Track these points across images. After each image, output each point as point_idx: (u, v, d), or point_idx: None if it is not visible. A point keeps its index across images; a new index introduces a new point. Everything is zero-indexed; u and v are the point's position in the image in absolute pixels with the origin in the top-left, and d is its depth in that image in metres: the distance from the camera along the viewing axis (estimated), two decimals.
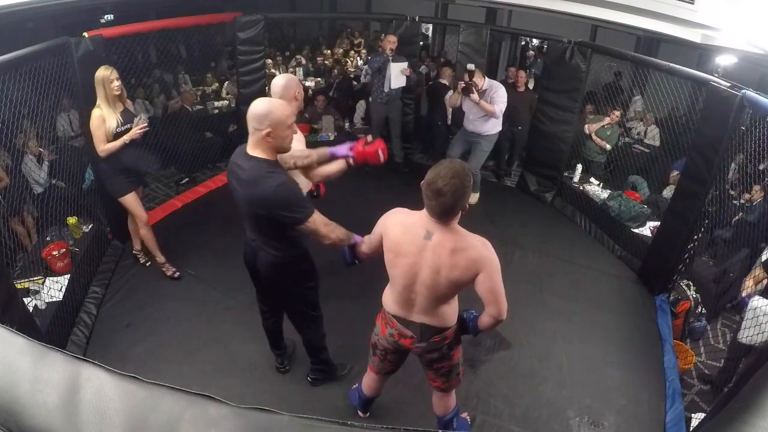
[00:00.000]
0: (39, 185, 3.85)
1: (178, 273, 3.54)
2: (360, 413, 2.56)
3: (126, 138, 3.07)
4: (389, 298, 1.97)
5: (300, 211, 1.90)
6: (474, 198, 4.74)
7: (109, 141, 3.05)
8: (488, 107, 4.20)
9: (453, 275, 1.72)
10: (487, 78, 4.31)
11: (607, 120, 4.86)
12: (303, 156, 2.22)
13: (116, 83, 3.04)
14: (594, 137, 4.90)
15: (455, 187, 1.63)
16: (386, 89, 4.77)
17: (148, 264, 3.63)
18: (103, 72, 3.00)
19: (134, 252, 3.68)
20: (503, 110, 4.30)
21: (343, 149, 2.28)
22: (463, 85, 4.16)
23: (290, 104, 2.14)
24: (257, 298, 2.53)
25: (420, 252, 1.75)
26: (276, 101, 1.89)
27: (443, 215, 1.71)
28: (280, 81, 2.32)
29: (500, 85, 4.32)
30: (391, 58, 4.65)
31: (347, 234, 2.08)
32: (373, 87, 4.94)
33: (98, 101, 3.05)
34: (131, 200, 3.29)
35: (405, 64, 4.68)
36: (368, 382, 2.39)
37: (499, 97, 4.23)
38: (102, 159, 3.12)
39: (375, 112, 5.06)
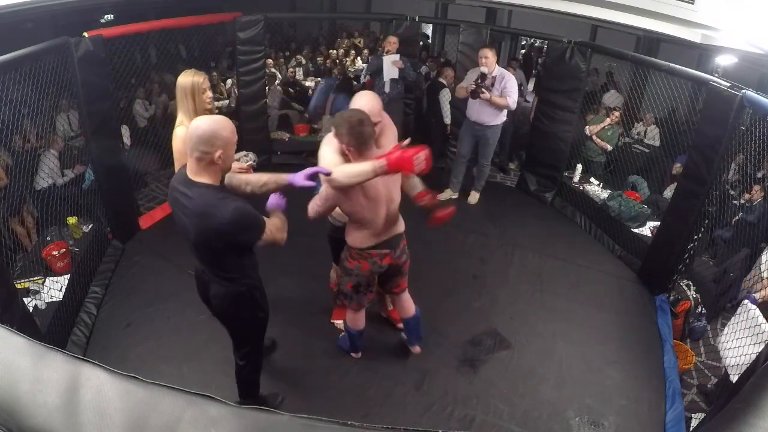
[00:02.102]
0: (45, 182, 3.86)
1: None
2: (354, 354, 2.85)
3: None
4: (362, 235, 2.27)
5: (258, 227, 1.80)
6: (474, 198, 4.73)
7: None
8: (501, 102, 4.10)
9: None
10: (497, 65, 4.18)
11: (607, 121, 4.87)
12: (258, 183, 2.06)
13: (210, 93, 2.43)
14: (595, 139, 4.90)
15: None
16: (387, 90, 4.78)
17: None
18: (192, 78, 2.34)
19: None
20: (516, 101, 4.18)
21: (300, 178, 2.08)
22: (473, 87, 4.10)
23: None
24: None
25: (377, 183, 2.11)
26: (218, 118, 1.74)
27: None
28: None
29: (511, 75, 4.19)
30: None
31: (281, 224, 1.96)
32: (374, 89, 4.94)
33: (180, 117, 2.37)
34: None
35: (397, 56, 4.67)
36: (359, 318, 2.67)
37: (512, 88, 4.10)
38: None
39: None
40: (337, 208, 2.36)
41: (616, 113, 4.89)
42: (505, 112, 4.26)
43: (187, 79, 2.35)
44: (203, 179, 1.72)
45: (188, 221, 1.77)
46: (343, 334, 2.90)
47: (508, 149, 5.62)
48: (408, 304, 2.73)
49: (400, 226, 2.39)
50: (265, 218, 1.87)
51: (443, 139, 5.39)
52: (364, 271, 2.37)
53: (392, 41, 4.68)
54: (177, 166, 2.32)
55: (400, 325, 2.96)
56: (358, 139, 2.03)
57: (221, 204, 1.70)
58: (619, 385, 2.88)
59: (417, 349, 2.92)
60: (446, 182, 4.90)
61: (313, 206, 2.23)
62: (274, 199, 2.07)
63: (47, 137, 4.03)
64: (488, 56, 4.05)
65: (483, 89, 4.05)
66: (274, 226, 1.89)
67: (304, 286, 3.48)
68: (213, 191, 1.72)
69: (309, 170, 2.00)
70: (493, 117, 4.24)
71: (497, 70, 4.12)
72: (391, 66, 4.69)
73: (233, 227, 1.72)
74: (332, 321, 3.12)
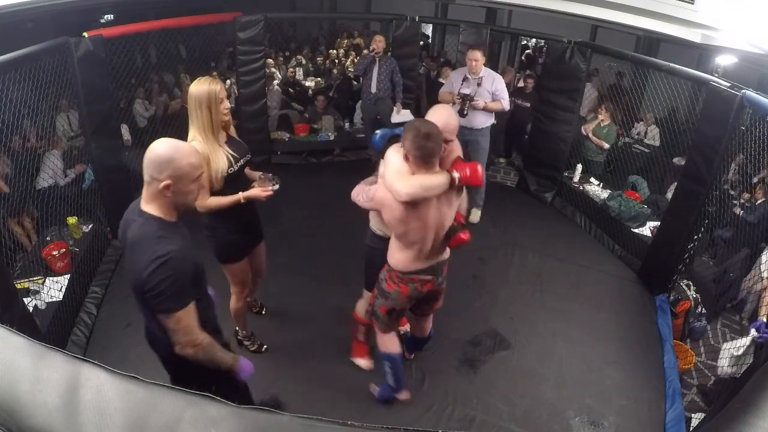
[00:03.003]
0: (47, 182, 3.86)
1: (265, 346, 2.95)
2: (402, 395, 2.62)
3: (245, 197, 2.20)
4: (406, 258, 2.12)
5: (177, 296, 1.42)
6: (476, 216, 4.42)
7: (214, 189, 2.14)
8: (497, 106, 3.98)
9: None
10: (483, 67, 4.03)
11: (599, 118, 4.87)
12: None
13: (227, 103, 2.16)
14: (592, 137, 4.90)
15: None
16: (373, 90, 4.77)
17: (264, 349, 2.93)
18: (208, 86, 2.05)
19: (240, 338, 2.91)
20: (509, 101, 4.09)
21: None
22: (459, 104, 3.93)
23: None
24: None
25: (431, 203, 1.99)
26: (184, 146, 1.48)
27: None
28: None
29: (499, 76, 4.07)
30: (377, 57, 4.69)
31: (216, 359, 1.60)
32: (363, 88, 4.94)
33: (192, 131, 2.09)
34: (241, 266, 2.48)
35: (397, 108, 4.74)
36: (391, 340, 2.46)
37: (503, 91, 4.00)
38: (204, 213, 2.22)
39: (365, 112, 5.09)
40: (379, 219, 2.27)
41: (602, 110, 4.90)
42: (493, 114, 4.11)
43: (202, 87, 2.05)
44: (151, 208, 1.46)
45: (125, 254, 1.49)
46: (378, 390, 2.64)
47: (501, 146, 5.60)
48: (428, 325, 2.61)
49: (446, 252, 2.23)
50: (191, 306, 1.46)
51: None
52: (403, 296, 2.21)
53: (379, 39, 4.67)
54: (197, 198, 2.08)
55: (405, 327, 2.91)
56: (420, 151, 1.90)
57: (155, 245, 1.39)
58: (619, 385, 2.88)
59: (411, 356, 2.91)
60: None
61: (359, 195, 2.17)
62: (246, 367, 1.72)
63: (50, 137, 4.03)
64: (478, 59, 3.91)
65: (468, 99, 3.89)
66: (188, 324, 1.47)
67: (304, 285, 3.48)
68: (155, 225, 1.44)
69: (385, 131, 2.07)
70: (483, 120, 4.04)
71: (484, 71, 3.98)
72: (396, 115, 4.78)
73: (146, 276, 1.37)
74: (352, 359, 2.85)
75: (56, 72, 3.08)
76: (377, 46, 4.66)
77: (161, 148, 1.43)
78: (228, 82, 6.05)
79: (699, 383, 3.02)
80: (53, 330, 2.78)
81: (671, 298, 3.56)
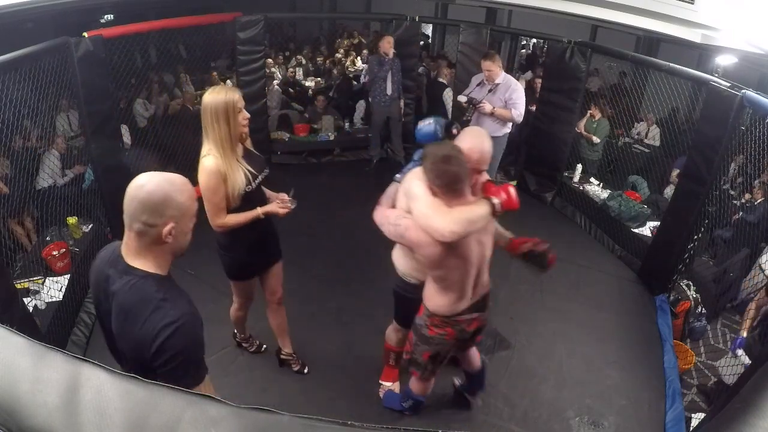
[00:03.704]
0: (46, 182, 3.86)
1: (264, 347, 2.92)
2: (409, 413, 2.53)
3: (264, 212, 2.10)
4: (448, 301, 1.90)
5: (187, 374, 1.21)
6: None
7: (232, 206, 2.02)
8: (505, 114, 3.75)
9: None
10: (503, 71, 3.89)
11: (588, 113, 4.89)
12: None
13: (246, 113, 2.01)
14: (582, 132, 4.91)
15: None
16: (389, 92, 4.78)
17: (306, 371, 2.81)
18: (225, 96, 1.91)
19: (284, 356, 2.82)
20: (522, 114, 3.79)
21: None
22: (466, 107, 3.88)
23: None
24: None
25: (469, 238, 1.79)
26: (174, 177, 1.20)
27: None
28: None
29: (518, 84, 3.87)
30: (388, 59, 4.68)
31: None
32: (374, 89, 4.93)
33: (208, 145, 1.95)
34: (248, 286, 2.44)
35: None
36: (428, 387, 2.33)
37: (518, 99, 3.73)
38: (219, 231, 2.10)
39: (377, 114, 5.07)
40: (407, 261, 2.07)
41: (593, 107, 4.91)
42: (509, 123, 3.91)
43: (218, 97, 1.89)
44: (143, 264, 1.20)
45: (113, 318, 1.22)
46: (389, 390, 2.61)
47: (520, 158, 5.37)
48: (475, 357, 2.39)
49: (488, 283, 2.04)
50: (207, 378, 1.29)
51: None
52: (449, 339, 1.99)
53: (389, 41, 4.66)
54: (209, 209, 1.96)
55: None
56: (443, 178, 1.68)
57: (159, 309, 1.16)
58: (619, 385, 2.88)
59: (478, 402, 2.61)
60: None
61: (385, 223, 1.89)
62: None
63: (49, 137, 4.03)
64: (490, 69, 3.78)
65: (474, 102, 3.84)
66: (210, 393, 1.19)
67: (304, 285, 3.48)
68: (153, 284, 1.20)
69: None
70: (494, 128, 3.85)
71: (502, 78, 3.83)
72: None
73: (157, 348, 1.14)
74: (381, 382, 2.72)
75: (56, 72, 3.08)
76: (387, 48, 4.65)
77: (152, 185, 1.15)
78: (228, 82, 6.05)
79: (699, 383, 3.02)
80: (53, 330, 2.78)
81: (671, 298, 3.56)
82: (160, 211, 1.15)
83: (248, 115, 2.03)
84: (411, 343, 2.12)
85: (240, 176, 1.99)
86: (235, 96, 1.93)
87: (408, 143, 5.48)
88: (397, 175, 2.09)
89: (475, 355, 2.39)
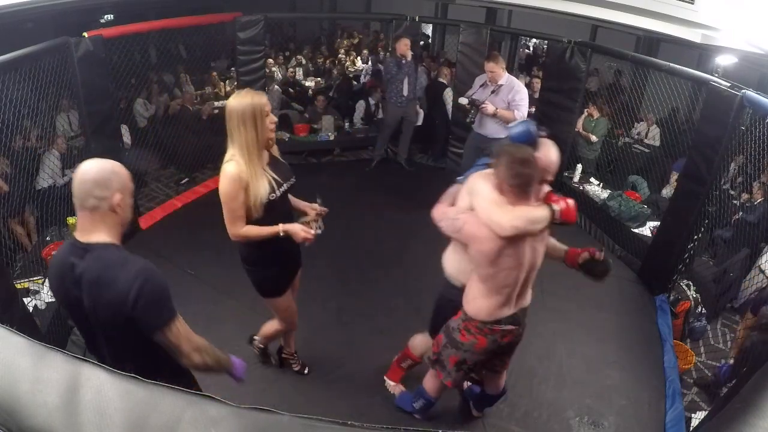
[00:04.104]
0: (46, 182, 3.86)
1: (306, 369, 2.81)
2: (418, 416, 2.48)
3: (284, 230, 1.98)
4: (490, 306, 1.89)
5: (167, 306, 1.38)
6: None
7: (254, 216, 1.93)
8: (508, 115, 3.74)
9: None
10: (506, 73, 3.88)
11: (585, 112, 4.90)
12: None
13: (273, 117, 1.94)
14: (580, 131, 4.91)
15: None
16: (405, 93, 4.77)
17: (306, 371, 2.81)
18: (252, 100, 1.84)
19: (285, 355, 2.81)
20: (525, 116, 3.79)
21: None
22: (469, 109, 3.91)
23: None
24: None
25: (525, 242, 1.81)
26: (109, 161, 1.37)
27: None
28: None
29: (521, 85, 3.88)
30: (405, 61, 4.66)
31: (220, 359, 1.61)
32: (390, 90, 4.89)
33: (232, 150, 1.88)
34: (286, 301, 2.31)
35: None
36: (440, 389, 2.30)
37: (521, 101, 3.75)
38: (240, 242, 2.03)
39: (391, 114, 5.02)
40: (458, 263, 2.05)
41: (591, 106, 4.90)
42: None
43: (244, 101, 1.83)
44: (100, 236, 1.33)
45: (85, 297, 1.33)
46: (401, 391, 2.59)
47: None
48: (502, 381, 2.35)
49: (529, 298, 2.04)
50: (181, 319, 1.41)
51: (445, 140, 5.38)
52: (479, 348, 1.96)
53: (406, 43, 4.63)
54: (226, 215, 1.89)
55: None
56: (517, 179, 1.72)
57: (123, 267, 1.30)
58: (619, 385, 2.88)
59: (480, 414, 2.58)
60: (447, 182, 4.89)
61: (443, 219, 1.91)
62: (240, 366, 1.75)
63: (49, 137, 4.04)
64: (494, 70, 3.77)
65: (476, 103, 3.85)
66: (186, 331, 1.42)
67: (304, 285, 3.46)
68: (114, 251, 1.34)
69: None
70: (498, 129, 3.86)
71: (505, 79, 3.82)
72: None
73: (134, 298, 1.28)
74: (385, 378, 2.71)
75: (56, 72, 3.08)
76: (405, 50, 4.62)
77: (96, 167, 1.32)
78: (228, 82, 6.06)
79: (698, 377, 3.03)
80: (53, 330, 2.78)
81: (671, 298, 3.56)
82: (109, 185, 1.32)
83: (276, 120, 1.96)
84: (439, 344, 2.10)
85: (263, 184, 1.90)
86: (263, 100, 1.87)
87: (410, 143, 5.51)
88: (460, 177, 2.12)
89: (502, 379, 2.33)
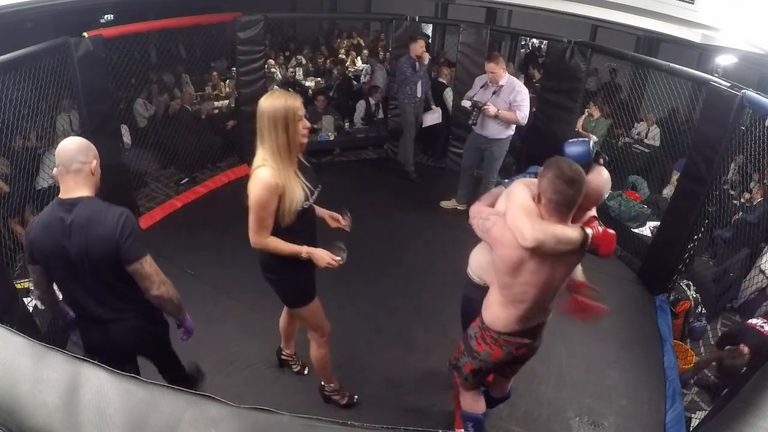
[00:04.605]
0: (47, 182, 3.85)
1: (356, 397, 2.64)
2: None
3: (308, 252, 1.94)
4: (507, 317, 1.84)
5: (142, 239, 1.67)
6: None
7: (287, 222, 1.86)
8: (510, 116, 3.77)
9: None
10: (507, 73, 3.89)
11: (586, 112, 4.89)
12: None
13: (306, 122, 1.89)
14: (579, 130, 4.91)
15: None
16: (419, 94, 4.75)
17: (306, 372, 2.78)
18: (285, 102, 1.78)
19: (284, 356, 2.76)
20: (527, 117, 3.84)
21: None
22: (470, 111, 3.89)
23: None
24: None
25: (551, 263, 1.73)
26: (81, 137, 1.72)
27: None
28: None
29: (522, 86, 3.87)
30: (419, 63, 4.63)
31: (179, 300, 1.79)
32: (403, 91, 4.81)
33: (263, 154, 1.82)
34: (316, 304, 2.20)
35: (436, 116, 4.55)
36: (478, 400, 2.21)
37: (523, 101, 3.76)
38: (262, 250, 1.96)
39: (408, 115, 4.90)
40: (484, 263, 2.01)
41: (591, 106, 4.90)
42: (513, 125, 3.95)
43: (277, 103, 1.77)
44: (84, 192, 1.64)
45: (73, 244, 1.59)
46: None
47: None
48: (508, 385, 2.35)
49: (549, 314, 1.97)
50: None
51: (445, 140, 5.38)
52: (494, 358, 1.94)
53: (422, 45, 4.60)
54: (253, 222, 1.83)
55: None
56: (558, 196, 1.61)
57: (108, 210, 1.63)
58: (619, 385, 2.88)
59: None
60: (447, 182, 4.90)
61: (476, 217, 1.85)
62: (190, 325, 1.96)
63: (49, 137, 4.03)
64: (494, 71, 3.77)
65: (478, 105, 3.84)
66: (160, 271, 1.72)
67: None
68: (97, 200, 1.67)
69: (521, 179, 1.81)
70: (498, 130, 3.93)
71: (506, 79, 3.83)
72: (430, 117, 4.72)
73: (121, 230, 1.60)
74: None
75: (56, 72, 3.08)
76: (420, 53, 4.58)
77: (75, 140, 1.68)
78: (228, 82, 6.06)
79: (698, 377, 3.03)
80: (53, 330, 2.78)
81: (671, 298, 3.56)
82: (87, 153, 1.66)
83: (309, 125, 1.88)
84: (459, 350, 2.10)
85: (299, 191, 1.84)
86: (297, 103, 1.80)
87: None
88: (506, 180, 2.07)
89: (509, 384, 2.33)
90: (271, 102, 1.78)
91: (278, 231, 1.87)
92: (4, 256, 2.75)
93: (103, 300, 1.72)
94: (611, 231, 1.71)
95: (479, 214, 1.86)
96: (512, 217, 1.69)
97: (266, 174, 1.77)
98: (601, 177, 1.86)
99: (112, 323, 1.76)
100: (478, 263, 2.11)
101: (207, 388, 2.55)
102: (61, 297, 1.88)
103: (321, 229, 2.18)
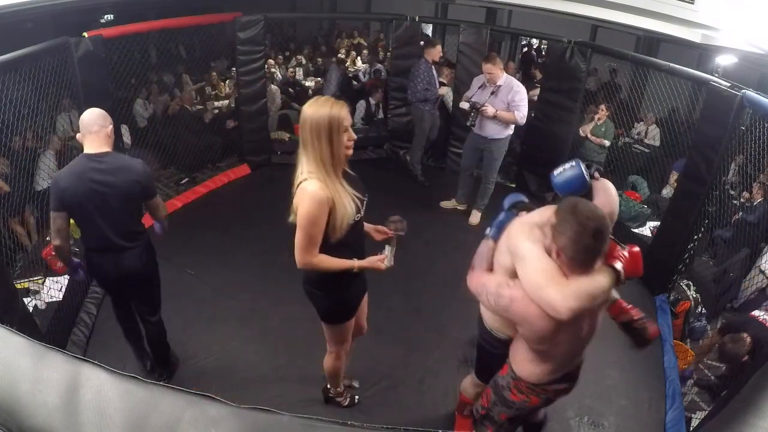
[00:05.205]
0: (47, 183, 3.84)
1: (357, 398, 2.66)
2: None
3: (360, 266, 1.85)
4: (542, 370, 1.66)
5: (155, 184, 2.29)
6: (475, 218, 4.40)
7: (337, 237, 1.75)
8: (508, 117, 3.77)
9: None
10: (504, 73, 3.89)
11: (596, 118, 4.87)
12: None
13: (352, 133, 1.74)
14: (591, 137, 4.89)
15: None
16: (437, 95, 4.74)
17: (357, 384, 2.73)
18: (330, 110, 1.66)
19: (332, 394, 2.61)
20: (525, 116, 3.84)
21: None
22: (469, 112, 3.88)
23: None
24: (119, 314, 2.57)
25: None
26: None
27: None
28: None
29: (520, 85, 3.85)
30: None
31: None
32: (414, 94, 4.73)
33: (307, 165, 1.71)
34: (351, 324, 2.13)
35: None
36: None
37: (521, 101, 3.76)
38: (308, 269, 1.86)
39: (425, 121, 4.85)
40: (500, 318, 1.80)
41: (603, 108, 4.87)
42: (512, 125, 3.94)
43: (321, 111, 1.66)
44: (106, 149, 2.09)
45: (108, 188, 2.05)
46: None
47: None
48: (541, 412, 2.20)
49: (584, 353, 1.79)
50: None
51: (445, 140, 5.38)
52: (531, 405, 1.79)
53: (440, 51, 4.60)
54: (301, 240, 1.72)
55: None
56: (582, 253, 1.40)
57: (131, 160, 2.16)
58: (619, 385, 2.88)
59: None
60: (447, 182, 4.90)
61: (482, 291, 1.65)
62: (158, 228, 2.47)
63: (45, 138, 4.03)
64: (492, 71, 3.77)
65: (477, 106, 3.83)
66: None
67: None
68: (119, 154, 2.22)
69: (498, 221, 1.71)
70: (497, 130, 3.92)
71: (503, 79, 3.82)
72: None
73: (147, 175, 2.16)
74: None
75: (56, 72, 3.08)
76: (436, 56, 4.58)
77: (94, 109, 2.11)
78: (227, 82, 6.06)
79: (698, 378, 3.03)
80: (53, 330, 2.78)
81: (671, 298, 3.56)
82: (105, 119, 2.11)
83: (354, 136, 1.75)
84: (488, 399, 1.90)
85: (349, 203, 1.73)
86: (342, 112, 1.67)
87: (408, 143, 5.49)
88: (489, 230, 1.83)
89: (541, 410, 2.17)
90: (315, 110, 1.67)
91: (327, 246, 1.77)
92: (4, 256, 2.74)
93: (122, 232, 2.17)
94: (635, 249, 1.54)
95: (485, 288, 1.65)
96: (534, 290, 1.47)
97: (315, 187, 1.67)
98: (609, 196, 1.69)
99: (125, 251, 2.21)
100: (495, 318, 1.87)
101: (206, 388, 2.55)
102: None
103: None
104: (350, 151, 1.76)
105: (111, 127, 2.11)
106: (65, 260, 2.25)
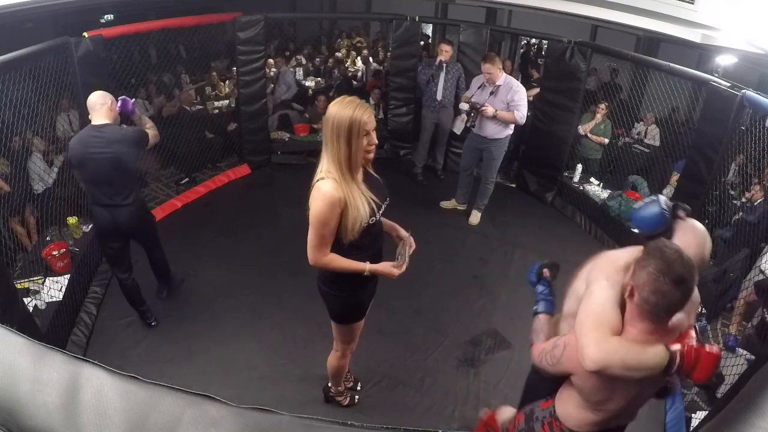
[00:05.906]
0: (42, 184, 3.83)
1: (357, 397, 2.66)
2: None
3: (371, 270, 1.84)
4: (587, 419, 1.53)
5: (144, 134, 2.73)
6: (475, 218, 4.44)
7: (348, 238, 1.75)
8: (508, 117, 3.78)
9: None
10: (504, 73, 3.90)
11: (597, 116, 4.86)
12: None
13: (374, 137, 1.71)
14: (590, 136, 4.89)
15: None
16: (438, 97, 4.71)
17: (359, 387, 2.72)
18: (353, 112, 1.63)
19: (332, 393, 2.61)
20: (525, 116, 3.86)
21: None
22: (469, 112, 3.90)
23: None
24: (115, 264, 2.90)
25: None
26: None
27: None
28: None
29: (520, 85, 3.87)
30: (444, 65, 4.58)
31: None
32: (425, 94, 4.81)
33: (326, 164, 1.70)
34: (359, 326, 2.14)
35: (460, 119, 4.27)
36: None
37: (520, 101, 3.77)
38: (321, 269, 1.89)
39: (426, 119, 4.90)
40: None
41: (602, 106, 4.86)
42: (512, 125, 3.95)
43: (344, 112, 1.63)
44: (107, 121, 2.56)
45: (110, 153, 2.50)
46: None
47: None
48: None
49: (634, 417, 1.75)
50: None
51: (445, 140, 5.37)
52: None
53: (446, 49, 4.57)
54: (312, 239, 1.73)
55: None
56: (658, 297, 1.24)
57: (126, 129, 2.67)
58: None
59: None
60: (447, 182, 4.90)
61: (542, 358, 1.54)
62: (126, 105, 2.75)
63: (48, 138, 4.02)
64: (491, 72, 3.78)
65: (476, 106, 3.84)
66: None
67: (304, 284, 3.47)
68: (117, 125, 2.64)
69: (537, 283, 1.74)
70: (497, 130, 3.93)
71: (503, 79, 3.83)
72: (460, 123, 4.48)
73: (139, 138, 2.65)
74: None
75: (56, 72, 3.08)
76: (446, 56, 4.55)
77: (98, 92, 2.62)
78: (227, 82, 6.05)
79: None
80: (53, 330, 2.78)
81: None
82: (105, 97, 2.59)
83: (376, 141, 1.72)
84: (517, 426, 1.78)
85: (363, 206, 1.71)
86: (364, 115, 1.63)
87: (408, 143, 5.49)
88: (536, 307, 1.82)
89: None
90: (338, 110, 1.64)
91: (341, 247, 1.78)
92: (4, 256, 2.75)
93: (118, 191, 2.62)
94: (713, 350, 1.29)
95: (544, 352, 1.54)
96: (579, 327, 1.36)
97: (328, 187, 1.66)
98: (697, 238, 1.50)
99: (119, 207, 2.64)
100: (573, 412, 1.63)
101: (206, 388, 2.55)
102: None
103: None
104: (370, 156, 1.75)
105: (111, 102, 2.58)
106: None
